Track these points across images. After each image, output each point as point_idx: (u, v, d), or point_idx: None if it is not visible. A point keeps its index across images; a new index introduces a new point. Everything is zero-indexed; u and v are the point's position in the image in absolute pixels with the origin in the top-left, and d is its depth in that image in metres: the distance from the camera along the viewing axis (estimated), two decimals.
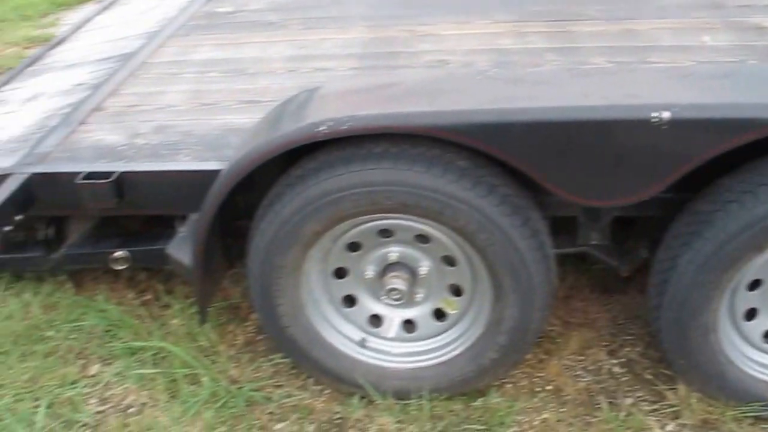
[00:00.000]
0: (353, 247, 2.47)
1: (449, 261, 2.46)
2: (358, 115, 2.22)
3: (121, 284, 3.16)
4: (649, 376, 2.66)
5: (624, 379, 2.68)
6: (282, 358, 2.79)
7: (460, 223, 2.26)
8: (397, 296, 2.47)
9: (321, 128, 2.21)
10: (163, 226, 2.91)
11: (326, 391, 2.69)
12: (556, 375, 2.69)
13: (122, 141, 2.88)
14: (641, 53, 3.02)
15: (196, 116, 3.00)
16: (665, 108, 2.07)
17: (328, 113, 2.27)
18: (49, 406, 2.67)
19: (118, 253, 2.84)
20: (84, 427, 2.61)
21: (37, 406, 2.67)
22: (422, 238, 2.42)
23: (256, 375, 2.76)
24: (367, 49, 3.37)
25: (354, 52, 3.36)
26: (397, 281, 2.47)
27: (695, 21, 3.29)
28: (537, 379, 2.70)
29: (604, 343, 2.81)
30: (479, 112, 2.18)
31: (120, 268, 2.86)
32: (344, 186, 2.26)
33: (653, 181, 2.16)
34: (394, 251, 2.47)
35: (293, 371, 2.76)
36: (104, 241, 2.93)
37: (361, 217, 2.34)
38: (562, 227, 2.51)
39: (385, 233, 2.43)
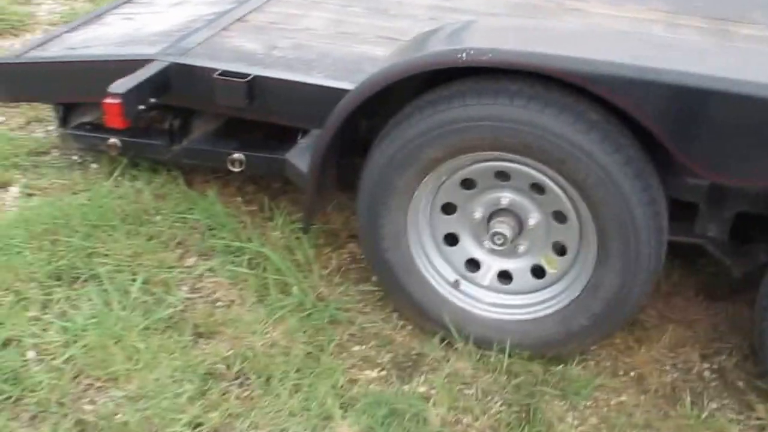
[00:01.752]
0: (467, 184, 2.48)
1: (559, 217, 2.44)
2: (500, 48, 2.24)
3: (229, 190, 3.25)
4: (741, 386, 2.57)
5: (713, 384, 2.58)
6: (371, 286, 2.83)
7: (580, 175, 2.24)
8: (501, 241, 2.47)
9: (461, 55, 2.23)
10: (278, 140, 2.99)
11: (408, 327, 2.71)
12: (642, 364, 2.63)
13: (260, 50, 2.98)
14: None
15: (333, 41, 3.06)
16: None
17: (473, 43, 2.28)
18: (144, 282, 2.78)
19: (236, 155, 2.93)
20: (172, 307, 2.70)
21: (133, 280, 2.78)
22: (537, 189, 2.41)
23: (343, 297, 2.79)
24: (511, 12, 3.35)
25: (497, 12, 3.34)
26: (503, 227, 2.47)
27: None
28: (622, 363, 2.64)
29: (699, 346, 2.71)
30: (623, 66, 2.16)
31: (235, 170, 2.95)
32: (472, 116, 2.27)
33: None
34: (506, 197, 2.46)
35: (379, 302, 2.79)
36: (224, 142, 3.04)
37: (481, 152, 2.34)
38: (680, 215, 2.45)
39: (502, 176, 2.43)
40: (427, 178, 2.43)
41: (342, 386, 2.46)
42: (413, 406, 2.40)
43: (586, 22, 3.20)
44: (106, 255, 2.87)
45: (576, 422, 2.42)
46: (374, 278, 2.82)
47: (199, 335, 2.62)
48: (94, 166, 3.39)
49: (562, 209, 2.41)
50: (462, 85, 2.32)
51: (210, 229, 3.03)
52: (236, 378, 2.48)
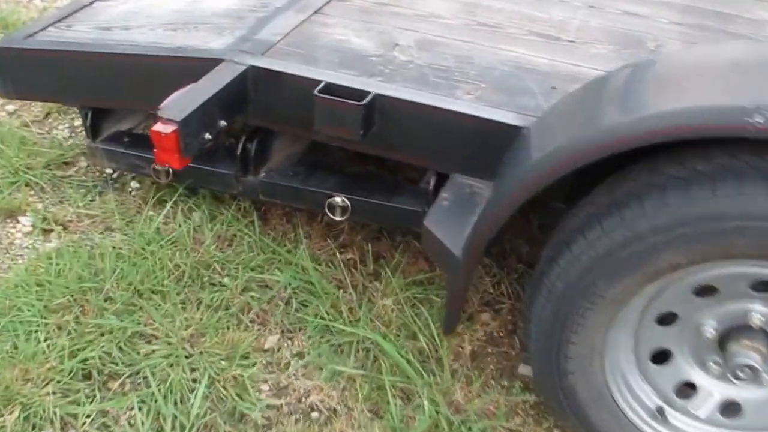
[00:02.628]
0: (702, 291, 1.68)
1: None
2: None
3: (316, 230, 2.42)
4: None
5: None
6: (520, 389, 2.06)
7: None
8: (746, 376, 1.68)
9: (756, 119, 1.39)
10: (383, 168, 2.19)
11: None
12: None
13: (374, 50, 2.13)
14: None
15: (473, 38, 2.21)
16: None
17: (761, 97, 1.44)
18: (209, 384, 1.99)
19: (339, 199, 2.10)
20: (252, 426, 1.92)
21: (194, 380, 1.99)
22: None
23: (486, 407, 2.02)
24: (693, 3, 2.54)
25: (676, 2, 2.54)
26: (751, 354, 1.67)
27: None
28: None
29: None
30: None
31: (337, 218, 2.13)
32: (752, 213, 1.45)
33: None
34: (759, 312, 1.66)
35: (533, 411, 2.04)
36: (319, 178, 2.18)
37: (749, 260, 1.53)
38: None
39: (760, 286, 1.63)
40: (653, 285, 1.63)
41: None
42: None
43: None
44: (154, 337, 2.08)
45: None
46: (521, 369, 2.08)
47: None
48: (134, 186, 2.55)
49: None
50: (734, 159, 1.49)
51: (295, 292, 2.23)
52: None
